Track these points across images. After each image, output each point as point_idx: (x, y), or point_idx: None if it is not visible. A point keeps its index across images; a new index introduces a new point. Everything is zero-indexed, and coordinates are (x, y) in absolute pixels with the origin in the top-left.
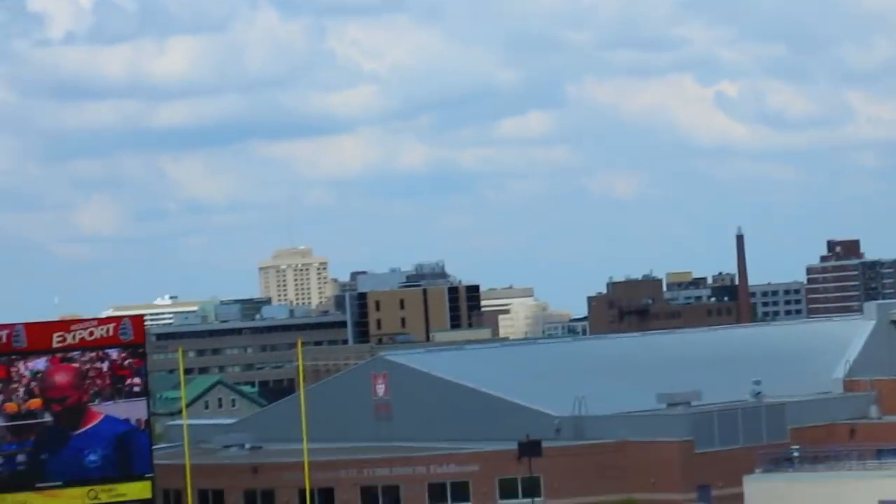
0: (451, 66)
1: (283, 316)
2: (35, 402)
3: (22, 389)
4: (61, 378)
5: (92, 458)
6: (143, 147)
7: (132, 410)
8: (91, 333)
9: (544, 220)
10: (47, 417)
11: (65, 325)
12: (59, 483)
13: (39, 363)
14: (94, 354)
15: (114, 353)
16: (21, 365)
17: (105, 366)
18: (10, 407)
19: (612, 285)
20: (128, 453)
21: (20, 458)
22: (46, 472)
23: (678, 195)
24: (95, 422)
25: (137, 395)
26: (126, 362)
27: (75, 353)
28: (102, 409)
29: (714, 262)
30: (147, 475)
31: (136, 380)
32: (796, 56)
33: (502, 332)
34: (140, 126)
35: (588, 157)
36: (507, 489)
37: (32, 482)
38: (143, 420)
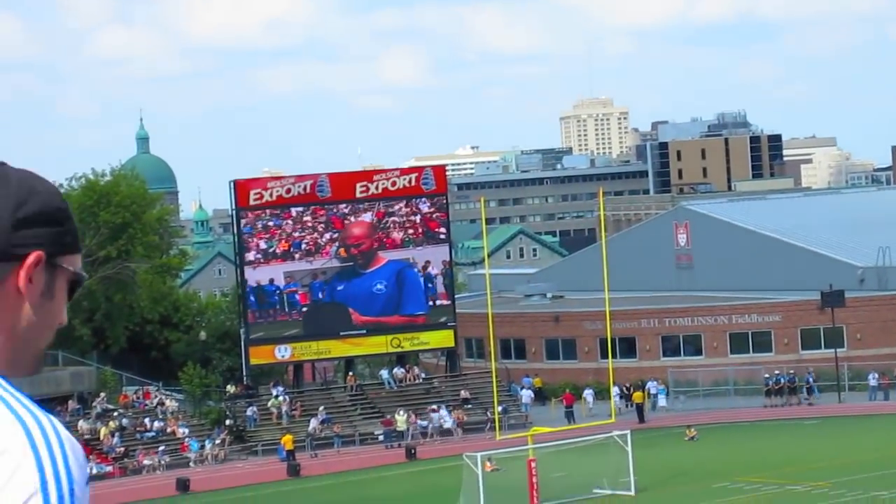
0: None
1: (584, 166)
2: (359, 248)
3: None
4: (359, 230)
5: (378, 286)
6: None
7: (436, 254)
8: (393, 183)
9: (848, 69)
10: (347, 262)
11: (368, 174)
12: (362, 331)
13: (366, 217)
14: (408, 209)
15: (424, 206)
16: (353, 217)
17: (417, 218)
18: (342, 252)
19: None
20: (405, 288)
21: (338, 292)
22: (352, 313)
23: None
24: (382, 263)
25: (442, 241)
26: (434, 215)
27: (387, 202)
28: (387, 255)
29: None
30: (421, 312)
31: (441, 228)
32: None
33: (804, 182)
34: None
35: (894, 5)
36: (810, 339)
37: (336, 330)
38: (446, 262)
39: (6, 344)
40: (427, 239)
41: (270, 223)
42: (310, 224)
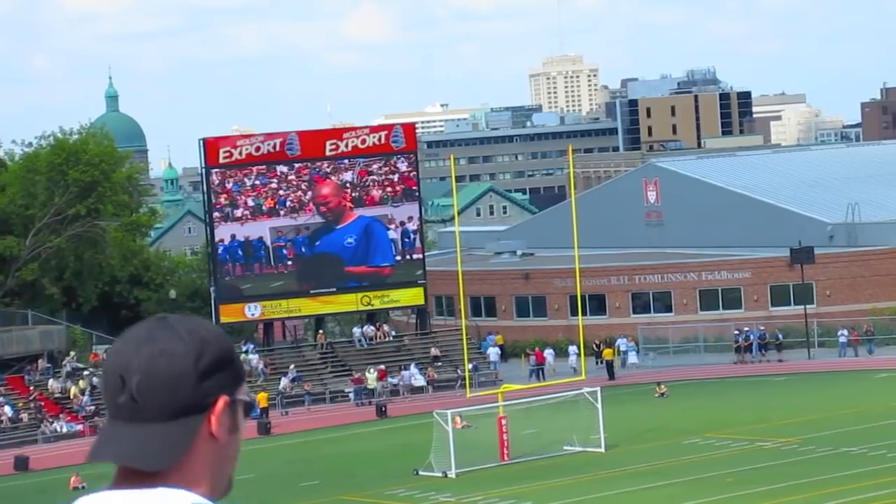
0: None
1: (553, 123)
2: (327, 206)
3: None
4: (326, 189)
5: (348, 240)
6: None
7: (405, 212)
8: (363, 141)
9: (817, 26)
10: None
11: (337, 132)
12: (332, 290)
13: (347, 175)
14: (386, 168)
15: (402, 165)
16: (334, 176)
17: (396, 177)
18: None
19: (886, 91)
20: (372, 241)
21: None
22: (319, 275)
23: None
24: (353, 219)
25: (414, 199)
26: (411, 174)
27: (364, 160)
28: (358, 212)
29: None
30: (387, 263)
31: (413, 187)
32: None
33: (774, 139)
34: None
35: None
36: (779, 296)
37: (307, 289)
38: (416, 218)
39: (210, 480)
40: (402, 197)
41: (257, 181)
42: (294, 182)
